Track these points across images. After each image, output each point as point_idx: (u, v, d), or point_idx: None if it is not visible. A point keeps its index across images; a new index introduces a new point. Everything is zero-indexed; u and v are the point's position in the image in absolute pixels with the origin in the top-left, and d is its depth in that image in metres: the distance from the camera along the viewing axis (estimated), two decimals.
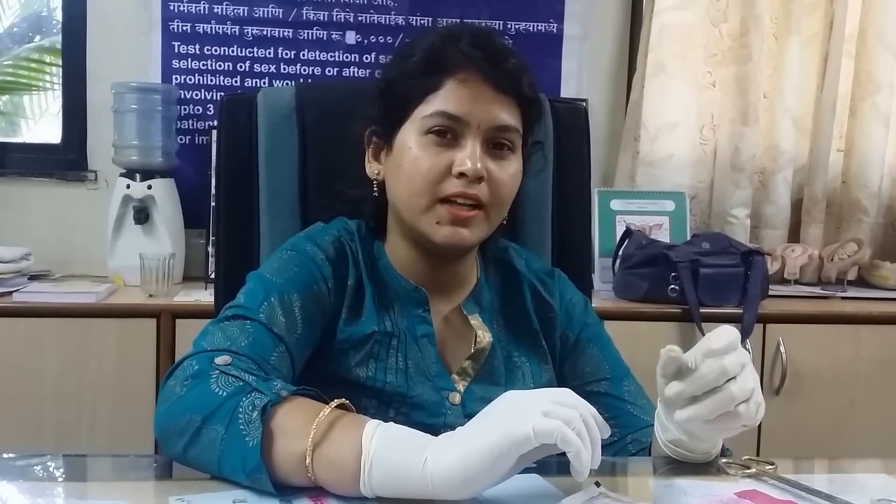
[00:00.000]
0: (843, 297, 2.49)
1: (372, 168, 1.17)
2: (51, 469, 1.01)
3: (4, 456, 0.98)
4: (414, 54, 1.11)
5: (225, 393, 0.89)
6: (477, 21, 2.59)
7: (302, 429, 0.84)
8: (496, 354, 1.16)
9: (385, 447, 0.82)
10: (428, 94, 1.09)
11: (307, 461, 0.83)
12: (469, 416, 0.88)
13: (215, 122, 2.42)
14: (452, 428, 0.85)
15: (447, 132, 1.08)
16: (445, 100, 1.08)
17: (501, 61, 1.09)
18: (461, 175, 1.06)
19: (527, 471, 0.88)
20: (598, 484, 0.89)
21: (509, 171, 1.11)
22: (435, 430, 0.85)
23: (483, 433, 0.80)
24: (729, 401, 0.88)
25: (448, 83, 1.08)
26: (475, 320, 1.16)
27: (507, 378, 1.16)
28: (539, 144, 1.22)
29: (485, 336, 1.15)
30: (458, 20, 2.56)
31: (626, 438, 1.14)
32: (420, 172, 1.08)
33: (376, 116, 1.15)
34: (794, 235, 2.72)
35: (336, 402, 0.88)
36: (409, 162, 1.09)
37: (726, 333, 0.90)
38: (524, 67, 1.12)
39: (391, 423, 0.85)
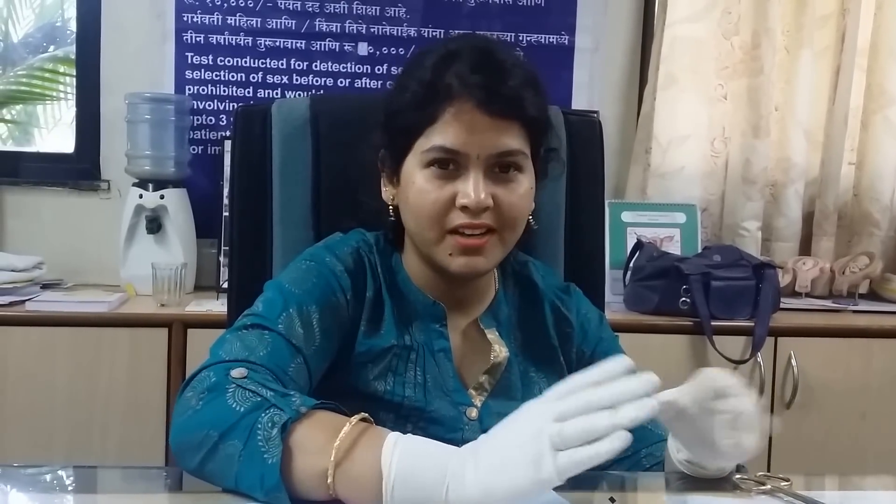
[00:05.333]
0: (855, 311, 2.48)
1: (387, 193, 1.16)
2: (61, 480, 1.01)
3: (15, 465, 0.99)
4: (410, 85, 1.09)
5: (242, 409, 0.88)
6: (489, 32, 2.59)
7: (323, 446, 0.84)
8: (512, 369, 1.16)
9: (407, 464, 0.80)
10: (426, 126, 1.07)
11: (329, 480, 0.83)
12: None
13: (228, 133, 2.45)
14: None
15: (448, 163, 1.06)
16: (442, 133, 1.05)
17: (499, 85, 1.05)
18: (465, 208, 1.05)
19: None
20: (612, 500, 0.89)
21: (518, 192, 1.09)
22: (453, 446, 0.83)
23: (506, 469, 0.77)
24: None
25: (444, 115, 1.05)
26: (492, 335, 1.16)
27: (524, 393, 1.15)
28: (554, 151, 1.19)
29: (501, 350, 1.15)
30: (462, 32, 2.55)
31: (641, 453, 1.13)
32: (426, 206, 1.07)
33: (383, 145, 1.14)
34: (806, 248, 2.72)
35: (357, 417, 0.87)
36: (414, 195, 1.08)
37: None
38: (527, 83, 1.07)
39: (410, 436, 0.84)
